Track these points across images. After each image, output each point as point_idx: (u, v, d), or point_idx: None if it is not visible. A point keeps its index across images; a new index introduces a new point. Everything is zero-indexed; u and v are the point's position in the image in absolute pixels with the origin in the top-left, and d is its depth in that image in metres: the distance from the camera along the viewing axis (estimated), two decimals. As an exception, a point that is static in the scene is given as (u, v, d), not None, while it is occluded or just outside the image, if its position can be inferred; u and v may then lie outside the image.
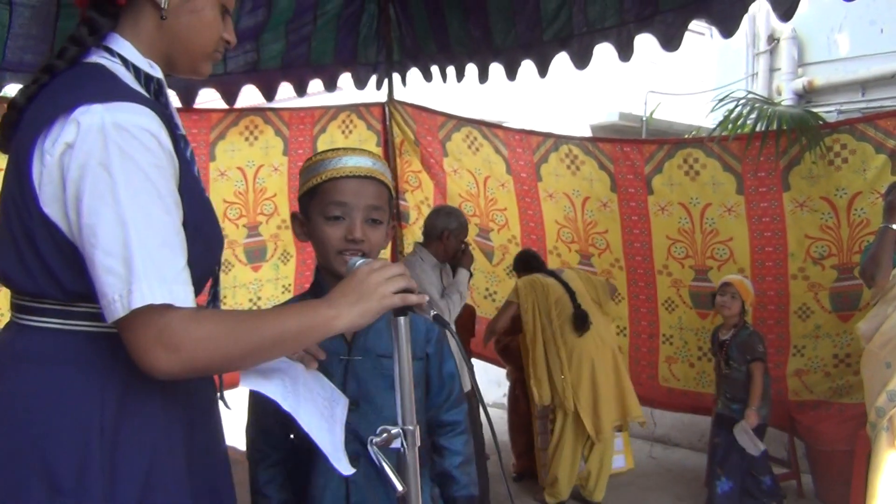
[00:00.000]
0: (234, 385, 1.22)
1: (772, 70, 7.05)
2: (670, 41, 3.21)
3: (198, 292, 1.16)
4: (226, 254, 4.67)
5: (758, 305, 4.05)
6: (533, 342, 4.18)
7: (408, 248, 5.48)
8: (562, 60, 3.76)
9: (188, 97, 4.24)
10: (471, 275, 3.88)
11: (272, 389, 1.16)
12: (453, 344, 1.24)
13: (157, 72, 1.18)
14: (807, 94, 6.73)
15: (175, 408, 1.14)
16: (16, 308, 1.12)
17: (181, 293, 1.02)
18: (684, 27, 3.15)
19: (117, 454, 1.06)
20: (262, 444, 1.52)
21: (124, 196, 0.99)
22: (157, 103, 1.13)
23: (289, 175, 4.68)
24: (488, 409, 5.67)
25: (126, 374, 1.06)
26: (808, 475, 4.25)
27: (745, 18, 3.06)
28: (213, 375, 1.24)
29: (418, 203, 5.34)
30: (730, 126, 3.98)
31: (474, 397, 3.23)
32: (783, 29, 6.83)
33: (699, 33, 7.03)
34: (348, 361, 1.47)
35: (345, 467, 1.18)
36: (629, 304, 4.57)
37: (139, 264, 0.98)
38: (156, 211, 1.01)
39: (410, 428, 1.14)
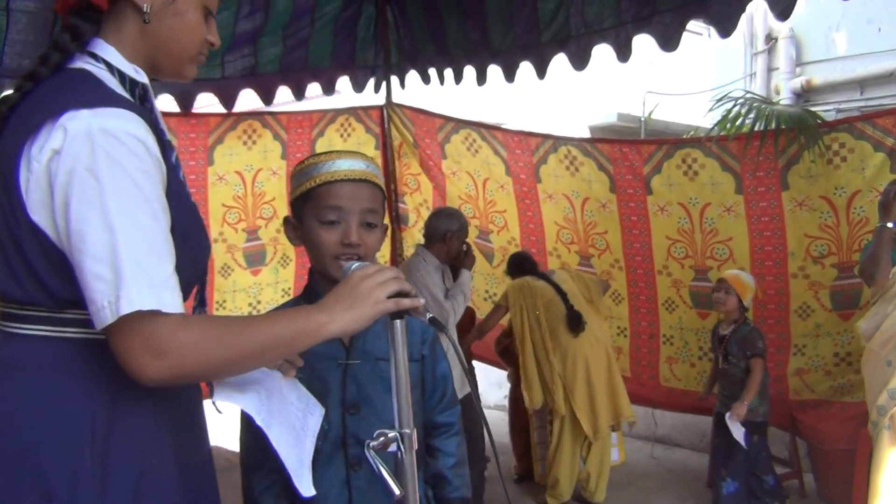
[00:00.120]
0: None
1: (770, 69, 7.04)
2: (668, 41, 3.21)
3: (185, 298, 1.15)
4: (225, 258, 4.67)
5: (758, 305, 4.04)
6: (522, 346, 4.21)
7: (407, 250, 5.48)
8: (560, 62, 3.76)
9: (186, 102, 4.24)
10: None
11: (247, 403, 1.15)
12: (451, 346, 1.23)
13: (142, 77, 1.18)
14: (805, 94, 6.73)
15: (164, 412, 1.14)
16: (2, 316, 1.11)
17: (169, 299, 1.01)
18: (682, 27, 3.15)
19: (108, 461, 1.06)
20: (257, 451, 1.47)
21: (112, 201, 0.99)
22: (143, 108, 1.12)
23: (287, 179, 4.68)
24: (490, 410, 5.68)
25: (115, 380, 1.05)
26: (810, 474, 4.24)
27: (743, 18, 3.06)
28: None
29: (417, 205, 5.34)
30: (728, 126, 3.98)
31: (473, 398, 3.22)
32: (781, 28, 6.82)
33: (697, 33, 7.02)
34: (347, 366, 1.46)
35: (306, 488, 1.16)
36: (629, 304, 4.57)
37: (127, 270, 0.98)
38: (144, 216, 1.01)
39: (407, 431, 1.14)
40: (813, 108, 4.34)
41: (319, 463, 1.41)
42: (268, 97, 4.44)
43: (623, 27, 3.38)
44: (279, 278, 4.83)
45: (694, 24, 3.34)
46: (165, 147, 1.13)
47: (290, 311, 1.16)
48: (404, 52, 4.68)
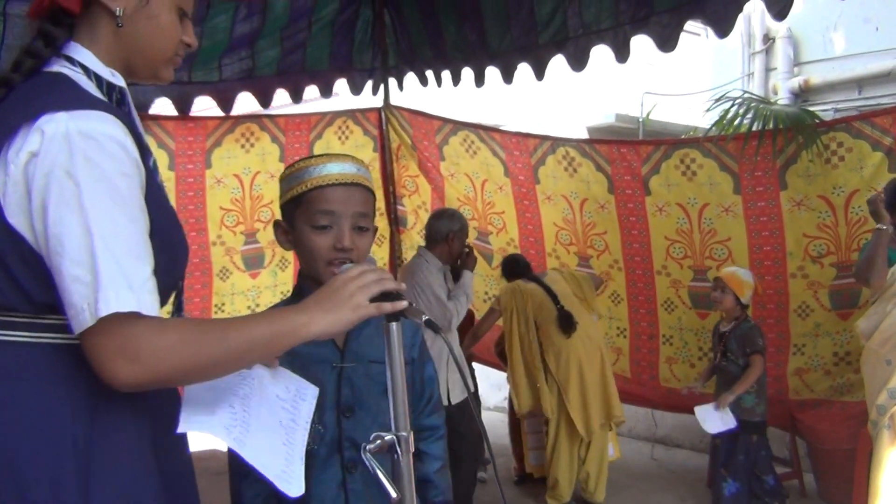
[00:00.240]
0: None
1: (768, 69, 7.04)
2: (666, 42, 3.21)
3: (163, 303, 1.14)
4: (224, 261, 4.67)
5: (757, 304, 4.04)
6: (510, 350, 4.23)
7: (406, 252, 5.48)
8: (558, 63, 3.76)
9: (184, 105, 4.24)
10: None
11: (215, 425, 1.11)
12: (449, 348, 1.22)
13: (118, 80, 1.17)
14: (803, 93, 6.73)
15: (145, 418, 1.12)
16: None
17: (148, 302, 1.00)
18: (680, 28, 3.15)
19: (91, 467, 1.05)
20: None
21: (90, 204, 0.98)
22: (121, 111, 1.11)
23: (284, 182, 4.68)
24: (490, 412, 5.68)
25: (96, 386, 1.04)
26: (811, 474, 4.24)
27: (740, 18, 3.06)
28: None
29: (416, 208, 5.34)
30: (726, 126, 3.98)
31: (473, 400, 3.22)
32: (778, 28, 6.82)
33: (695, 34, 7.03)
34: (341, 369, 1.45)
35: (295, 488, 1.13)
36: (628, 304, 4.57)
37: (106, 272, 0.97)
38: (122, 219, 1.00)
39: (404, 434, 1.13)
40: (811, 108, 4.34)
41: (315, 466, 1.40)
42: (265, 100, 4.44)
43: (621, 28, 3.38)
44: (278, 281, 4.83)
45: (691, 25, 3.35)
46: (144, 151, 1.12)
47: (269, 313, 1.15)
48: (402, 55, 4.68)
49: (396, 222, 5.40)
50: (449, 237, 3.71)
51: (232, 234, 4.67)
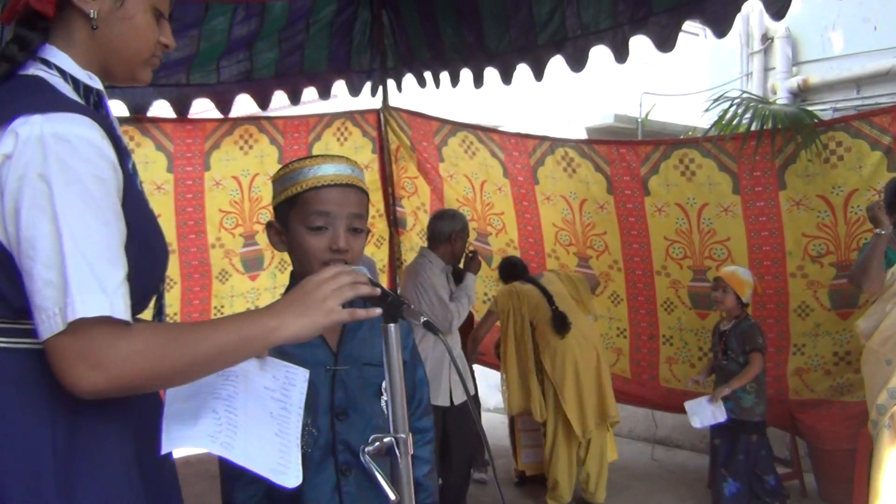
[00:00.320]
0: None
1: (766, 69, 7.04)
2: (664, 42, 3.21)
3: (143, 308, 1.13)
4: (223, 263, 4.67)
5: (757, 304, 4.04)
6: (505, 350, 4.26)
7: (405, 254, 5.47)
8: (556, 64, 3.76)
9: (182, 107, 4.25)
10: None
11: (199, 437, 1.09)
12: (447, 350, 1.22)
13: (96, 83, 1.16)
14: (802, 93, 6.73)
15: (127, 424, 1.11)
16: None
17: (120, 306, 0.98)
18: (678, 28, 3.16)
19: (72, 475, 1.03)
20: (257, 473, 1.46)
21: (62, 207, 0.97)
22: (98, 114, 1.10)
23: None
24: (490, 413, 5.68)
25: None
26: (811, 474, 4.23)
27: (739, 18, 3.07)
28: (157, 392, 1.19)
29: (415, 209, 5.34)
30: (725, 126, 3.98)
31: (472, 402, 3.22)
32: (777, 28, 6.83)
33: (693, 34, 7.03)
34: (335, 371, 1.45)
35: (292, 479, 1.12)
36: (628, 305, 4.56)
37: (77, 276, 0.95)
38: (95, 223, 0.98)
39: (403, 436, 1.13)
40: (810, 108, 4.34)
41: (310, 469, 1.39)
42: (263, 102, 4.44)
43: (620, 28, 3.38)
44: (277, 283, 4.82)
45: (690, 25, 3.35)
46: (122, 154, 1.11)
47: (238, 317, 1.12)
48: (400, 56, 4.68)
49: (396, 224, 5.40)
50: (451, 237, 3.73)
51: (231, 236, 4.67)
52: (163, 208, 4.41)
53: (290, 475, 1.12)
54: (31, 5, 1.11)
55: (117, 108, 4.16)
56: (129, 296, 1.01)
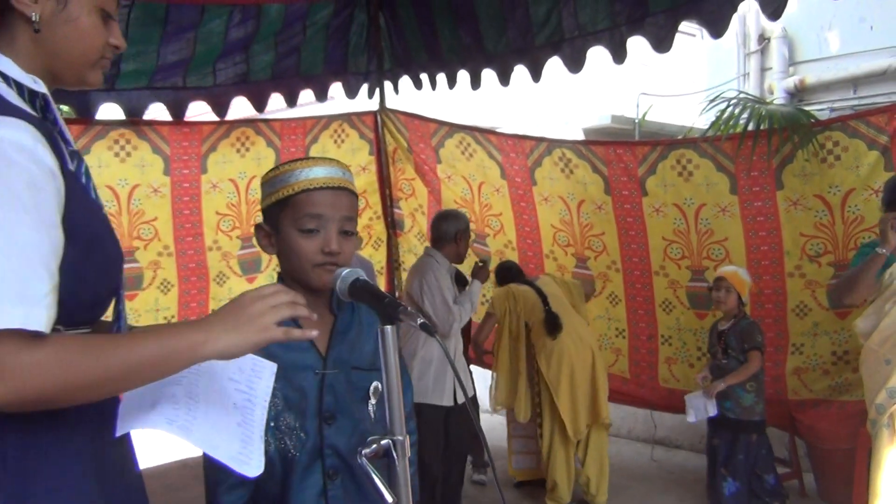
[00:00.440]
0: None
1: (763, 69, 7.06)
2: (661, 43, 3.21)
3: (97, 315, 1.11)
4: (220, 265, 4.67)
5: (755, 304, 4.04)
6: (498, 347, 4.33)
7: (403, 255, 5.47)
8: (554, 64, 3.76)
9: (178, 110, 4.24)
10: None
11: (156, 420, 1.07)
12: (446, 351, 1.21)
13: (41, 87, 1.13)
14: (799, 93, 6.74)
15: (83, 433, 1.08)
16: None
17: (41, 317, 0.95)
18: (675, 29, 3.16)
19: (25, 487, 1.00)
20: (221, 464, 1.43)
21: None
22: (42, 119, 1.08)
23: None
24: (488, 415, 5.67)
25: None
26: (810, 474, 4.23)
27: (735, 18, 3.06)
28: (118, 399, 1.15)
29: (412, 211, 5.34)
30: (722, 126, 3.98)
31: (470, 404, 3.22)
32: (773, 28, 6.84)
33: (690, 34, 7.04)
34: (324, 375, 1.43)
35: (253, 468, 1.10)
36: (627, 305, 4.56)
37: None
38: (22, 229, 0.95)
39: (400, 438, 1.12)
40: (807, 108, 4.34)
41: (297, 473, 1.39)
42: (260, 104, 4.44)
43: (617, 29, 3.38)
44: (275, 285, 4.81)
45: (686, 26, 3.35)
46: (72, 157, 1.09)
47: (163, 329, 1.07)
48: (397, 58, 4.68)
49: (393, 225, 5.40)
50: (457, 237, 3.76)
51: (228, 238, 4.66)
52: (160, 211, 4.41)
53: (251, 465, 1.10)
54: None
55: (113, 111, 4.16)
56: (56, 306, 0.97)
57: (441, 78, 4.44)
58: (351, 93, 4.78)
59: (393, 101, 5.02)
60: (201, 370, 1.16)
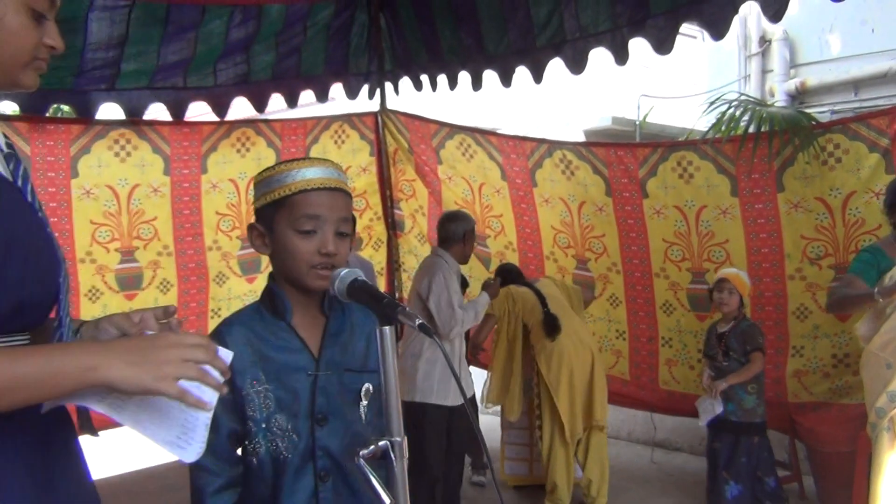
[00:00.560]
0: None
1: (764, 72, 7.05)
2: (662, 44, 3.21)
3: (36, 321, 1.09)
4: (220, 265, 4.67)
5: (756, 306, 4.04)
6: (495, 346, 4.36)
7: (404, 256, 5.47)
8: (555, 66, 3.76)
9: (179, 110, 4.25)
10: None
11: (85, 395, 1.02)
12: (444, 352, 1.20)
13: None
14: (800, 95, 6.73)
15: (25, 448, 1.04)
16: None
17: None
18: (676, 30, 3.16)
19: None
20: (207, 467, 1.39)
21: None
22: None
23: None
24: (488, 416, 5.66)
25: None
26: (810, 477, 4.22)
27: (736, 20, 3.07)
28: (65, 407, 1.11)
29: (413, 212, 5.33)
30: (723, 128, 3.98)
31: (469, 405, 3.23)
32: (775, 30, 6.84)
33: (691, 36, 7.04)
34: (316, 377, 1.43)
35: (190, 454, 1.07)
36: (627, 307, 4.56)
37: None
38: None
39: (398, 439, 1.12)
40: (808, 110, 4.35)
41: (288, 475, 1.39)
42: (260, 105, 4.44)
43: (619, 31, 3.38)
44: (275, 286, 4.81)
45: (687, 28, 3.35)
46: (7, 159, 1.06)
47: (56, 347, 1.02)
48: (398, 59, 4.68)
49: (394, 226, 5.40)
50: (465, 237, 3.79)
51: (228, 238, 4.66)
52: (160, 211, 4.41)
53: (189, 451, 1.07)
54: None
55: (113, 111, 4.16)
56: None
57: (442, 79, 4.44)
58: (351, 93, 4.78)
59: (394, 102, 5.02)
60: None
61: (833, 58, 6.60)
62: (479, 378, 4.99)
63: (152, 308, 1.22)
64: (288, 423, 1.40)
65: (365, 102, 4.97)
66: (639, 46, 3.34)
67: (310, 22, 4.22)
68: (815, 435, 3.98)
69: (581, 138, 6.65)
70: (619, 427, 5.57)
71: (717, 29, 2.99)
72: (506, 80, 4.08)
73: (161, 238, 4.44)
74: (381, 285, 5.39)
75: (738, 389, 3.74)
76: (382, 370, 1.14)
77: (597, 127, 7.06)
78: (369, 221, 5.31)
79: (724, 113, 3.99)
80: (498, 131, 5.02)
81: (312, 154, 4.78)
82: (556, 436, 4.08)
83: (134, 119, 4.19)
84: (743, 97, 4.16)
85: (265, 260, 4.80)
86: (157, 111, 4.23)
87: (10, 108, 5.17)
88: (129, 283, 4.38)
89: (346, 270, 1.25)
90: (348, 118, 5.00)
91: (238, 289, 4.73)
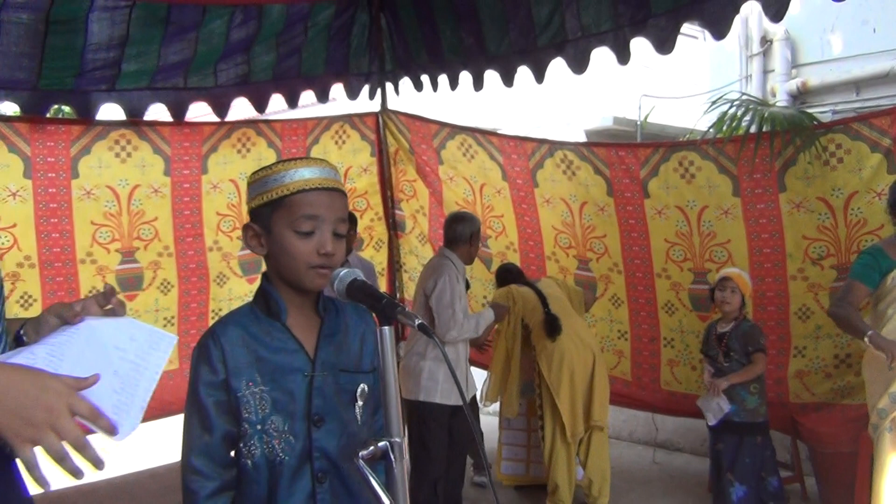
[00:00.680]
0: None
1: (765, 72, 7.05)
2: (664, 44, 3.21)
3: None
4: (221, 266, 4.66)
5: (758, 306, 4.03)
6: (495, 346, 4.39)
7: (405, 257, 5.46)
8: (557, 66, 3.75)
9: (179, 111, 4.24)
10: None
11: (23, 355, 1.02)
12: (443, 353, 1.20)
13: None
14: (801, 95, 6.73)
15: None
16: None
17: None
18: (677, 30, 3.15)
19: None
20: (201, 470, 1.38)
21: None
22: None
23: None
24: (489, 416, 5.66)
25: None
26: (812, 478, 4.22)
27: (738, 20, 3.06)
28: None
29: (414, 212, 5.33)
30: (724, 128, 3.97)
31: (465, 406, 3.22)
32: (776, 30, 6.83)
33: (692, 36, 7.04)
34: (312, 378, 1.42)
35: (121, 432, 1.05)
36: (629, 307, 4.55)
37: None
38: None
39: (398, 440, 1.11)
40: (809, 110, 4.34)
41: (286, 477, 1.38)
42: (261, 105, 4.43)
43: (620, 30, 3.37)
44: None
45: (689, 27, 3.34)
46: None
47: None
48: (398, 59, 4.67)
49: (395, 227, 5.39)
50: (471, 238, 3.83)
51: (229, 239, 4.66)
52: (160, 211, 4.41)
53: (121, 428, 1.06)
54: None
55: (114, 112, 4.16)
56: None
57: (443, 79, 4.43)
58: (352, 94, 4.78)
59: (394, 103, 5.01)
60: (80, 332, 1.13)
61: (834, 58, 6.60)
62: (479, 378, 5.00)
63: (94, 294, 1.21)
64: (284, 425, 1.39)
65: (366, 103, 4.97)
66: (640, 46, 3.34)
67: (311, 22, 4.21)
68: (817, 435, 3.97)
69: (582, 138, 6.65)
70: (621, 428, 5.57)
71: (719, 29, 2.98)
72: (507, 80, 4.07)
73: (162, 239, 4.44)
74: (382, 286, 5.39)
75: (741, 390, 3.74)
76: (381, 370, 1.14)
77: (598, 127, 7.06)
78: (370, 222, 5.31)
79: (725, 112, 3.98)
80: (499, 131, 5.01)
81: (313, 154, 4.78)
82: (558, 436, 4.07)
83: (134, 120, 4.18)
84: (744, 97, 4.15)
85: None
86: (158, 112, 4.23)
87: (10, 108, 5.17)
88: (130, 283, 4.38)
89: (346, 270, 1.25)
90: (349, 118, 5.00)
91: (239, 289, 4.72)
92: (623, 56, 3.42)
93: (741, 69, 7.18)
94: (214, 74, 4.15)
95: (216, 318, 4.60)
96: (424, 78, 4.56)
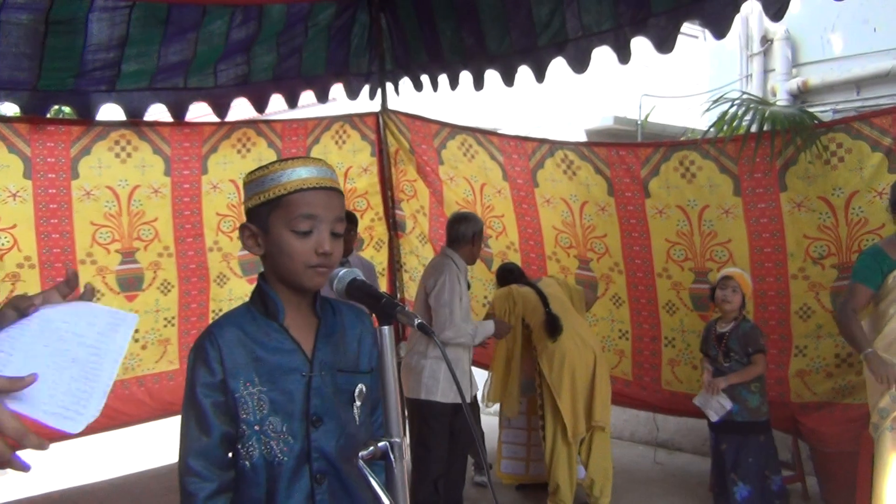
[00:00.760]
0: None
1: (766, 71, 7.05)
2: (664, 44, 3.21)
3: None
4: (221, 266, 4.66)
5: (759, 306, 4.02)
6: (495, 346, 4.39)
7: (405, 257, 5.46)
8: (557, 65, 3.75)
9: (179, 111, 4.24)
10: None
11: None
12: (443, 353, 1.19)
13: None
14: (802, 95, 6.73)
15: None
16: None
17: None
18: (677, 29, 3.15)
19: None
20: (199, 471, 1.37)
21: None
22: None
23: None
24: (489, 416, 5.66)
25: None
26: (813, 477, 4.21)
27: (738, 20, 3.06)
28: None
29: (414, 212, 5.32)
30: (725, 127, 3.96)
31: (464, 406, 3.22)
32: (776, 30, 6.83)
33: (693, 36, 7.04)
34: (310, 378, 1.42)
35: (73, 426, 1.02)
36: (630, 307, 4.55)
37: None
38: None
39: (398, 440, 1.11)
40: (810, 109, 4.33)
41: (285, 478, 1.38)
42: (261, 105, 4.44)
43: (621, 30, 3.38)
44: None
45: (689, 27, 3.34)
46: None
47: None
48: (398, 59, 4.67)
49: (395, 227, 5.39)
50: (474, 238, 3.84)
51: (229, 239, 4.66)
52: (160, 212, 4.41)
53: (75, 421, 1.03)
54: None
55: (114, 112, 4.16)
56: None
57: (443, 79, 4.43)
58: (352, 94, 4.78)
59: (395, 103, 5.01)
60: (32, 323, 1.10)
61: (835, 57, 6.60)
62: (479, 378, 5.00)
63: (56, 284, 1.18)
64: (283, 426, 1.38)
65: (366, 103, 4.97)
66: (640, 46, 3.34)
67: (311, 22, 4.22)
68: (818, 435, 3.97)
69: (582, 138, 6.65)
70: (622, 428, 5.56)
71: (719, 28, 2.98)
72: (508, 79, 4.07)
73: (162, 239, 4.44)
74: (383, 286, 5.38)
75: (742, 389, 3.73)
76: (381, 370, 1.14)
77: (598, 127, 7.06)
78: (371, 222, 5.30)
79: (725, 112, 3.98)
80: (499, 131, 5.00)
81: (313, 154, 4.77)
82: (559, 436, 4.07)
83: (134, 120, 4.18)
84: (745, 96, 4.14)
85: (266, 261, 4.82)
86: (158, 112, 4.23)
87: (10, 109, 5.17)
88: (130, 284, 4.38)
89: (346, 270, 1.25)
90: (349, 118, 5.00)
91: (239, 290, 4.72)
92: (623, 55, 3.42)
93: (742, 68, 7.18)
94: (214, 75, 4.16)
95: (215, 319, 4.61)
96: (424, 78, 4.56)
